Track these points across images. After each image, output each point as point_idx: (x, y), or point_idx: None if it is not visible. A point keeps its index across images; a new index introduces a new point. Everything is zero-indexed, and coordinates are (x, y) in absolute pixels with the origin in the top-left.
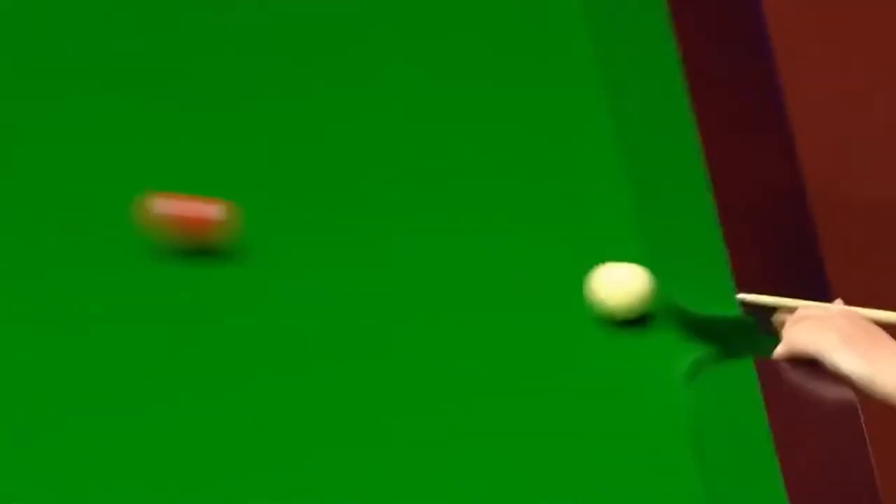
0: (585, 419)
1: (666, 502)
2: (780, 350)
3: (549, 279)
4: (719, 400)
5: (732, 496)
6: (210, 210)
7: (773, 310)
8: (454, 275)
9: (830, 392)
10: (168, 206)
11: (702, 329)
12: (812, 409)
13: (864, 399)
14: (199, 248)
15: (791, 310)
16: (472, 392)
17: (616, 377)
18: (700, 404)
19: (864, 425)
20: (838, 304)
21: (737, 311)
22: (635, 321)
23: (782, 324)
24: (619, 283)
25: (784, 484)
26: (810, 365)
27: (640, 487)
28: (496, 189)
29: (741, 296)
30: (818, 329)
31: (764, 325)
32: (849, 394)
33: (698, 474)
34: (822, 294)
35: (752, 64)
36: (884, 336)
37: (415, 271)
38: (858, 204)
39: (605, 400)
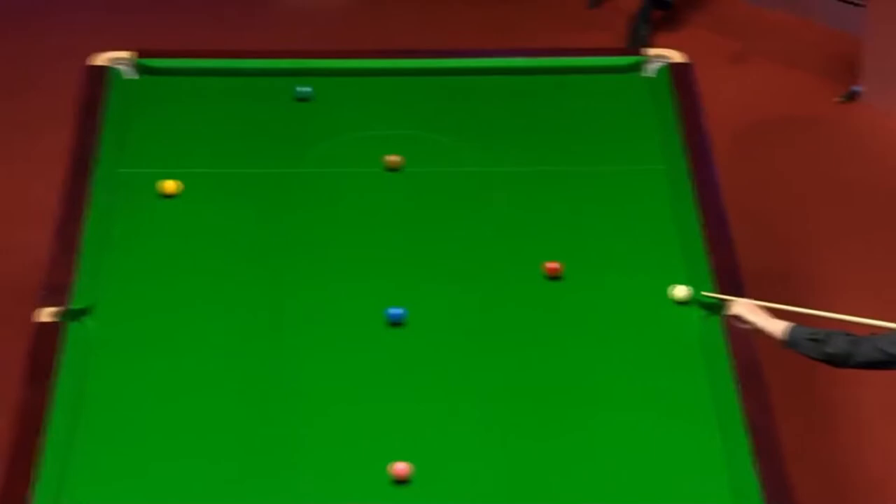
0: (667, 340)
1: (689, 367)
2: (728, 312)
3: (650, 298)
4: (709, 328)
5: (716, 364)
6: (557, 265)
7: (726, 300)
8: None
9: (745, 328)
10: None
11: (705, 305)
12: (738, 333)
13: (759, 334)
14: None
15: (732, 300)
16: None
17: (678, 323)
18: (704, 329)
19: (755, 340)
20: (750, 300)
21: (716, 300)
22: (687, 303)
23: (731, 304)
24: (680, 291)
25: (729, 349)
26: (739, 319)
27: (683, 359)
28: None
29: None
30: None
31: (725, 305)
32: (751, 329)
33: (703, 355)
34: (742, 296)
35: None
36: (766, 311)
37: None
38: (758, 272)
39: (675, 331)
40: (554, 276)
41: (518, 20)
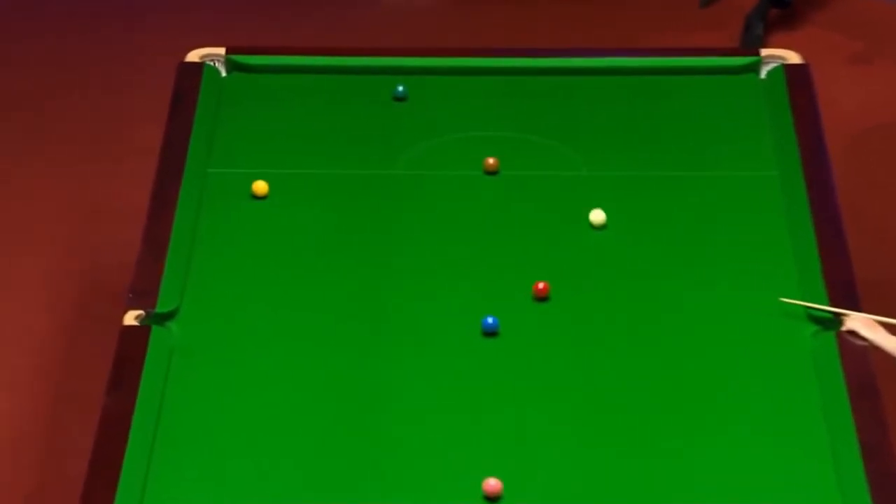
0: (778, 355)
1: (801, 383)
2: (843, 328)
3: (756, 305)
4: (822, 344)
5: (828, 375)
6: (544, 287)
7: (842, 315)
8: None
9: (859, 343)
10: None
11: (819, 319)
12: (853, 350)
13: (876, 351)
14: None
15: (848, 314)
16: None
17: (793, 339)
18: (817, 345)
19: (870, 354)
20: (866, 315)
21: (829, 315)
22: (602, 228)
23: (846, 319)
24: (598, 215)
25: (842, 366)
26: (854, 335)
27: (794, 375)
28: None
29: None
30: (859, 321)
31: (839, 319)
32: (866, 343)
33: (814, 367)
34: (859, 310)
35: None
36: (883, 327)
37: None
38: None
39: (786, 346)
40: (541, 298)
41: (625, 18)
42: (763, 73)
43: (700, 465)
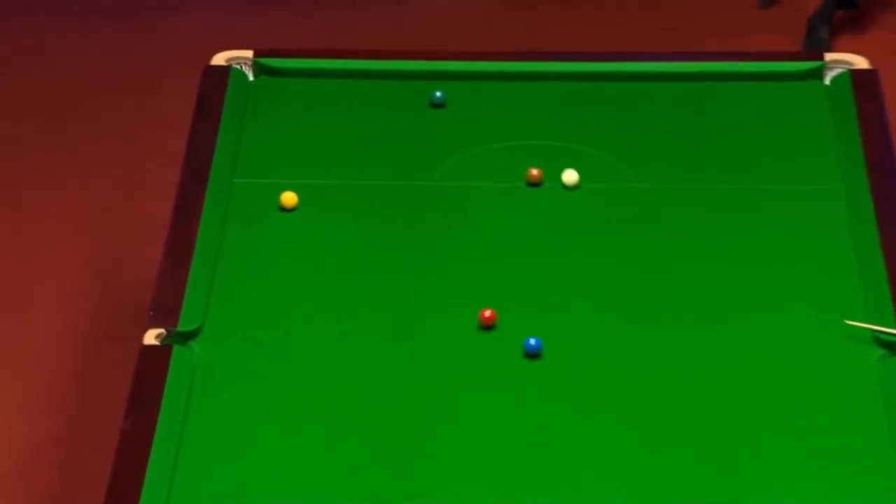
0: (840, 382)
1: (865, 414)
2: None
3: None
4: (890, 370)
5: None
6: (491, 315)
7: None
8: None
9: None
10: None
11: (885, 343)
12: None
13: None
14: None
15: None
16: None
17: (858, 364)
18: (883, 371)
19: None
20: None
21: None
22: (575, 189)
23: None
24: (570, 176)
25: None
26: None
27: (858, 404)
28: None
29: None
30: None
31: None
32: None
33: (880, 395)
34: None
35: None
36: None
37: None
38: None
39: (850, 372)
40: (488, 326)
41: (678, 20)
42: (827, 79)
43: (758, 500)
